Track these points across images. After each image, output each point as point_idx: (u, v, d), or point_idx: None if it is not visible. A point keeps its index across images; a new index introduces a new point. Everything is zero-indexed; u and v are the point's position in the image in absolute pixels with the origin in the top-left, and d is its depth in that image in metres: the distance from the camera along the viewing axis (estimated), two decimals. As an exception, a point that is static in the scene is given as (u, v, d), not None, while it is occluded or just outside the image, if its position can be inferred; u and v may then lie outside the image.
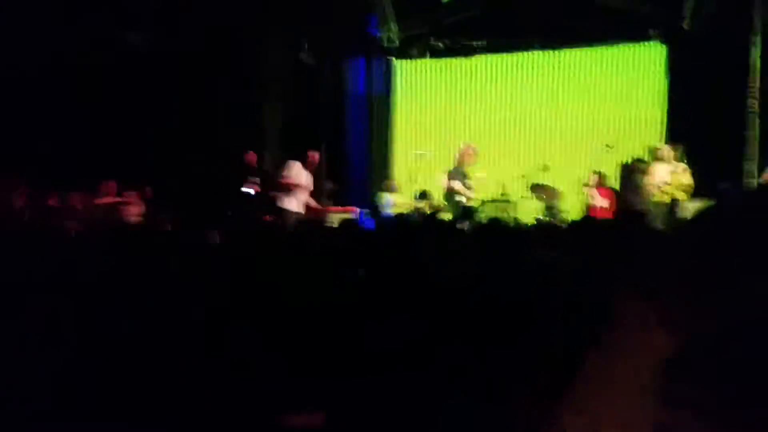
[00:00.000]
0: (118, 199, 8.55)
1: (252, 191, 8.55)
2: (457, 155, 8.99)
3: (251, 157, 8.87)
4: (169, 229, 6.44)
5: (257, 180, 8.79)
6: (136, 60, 8.66)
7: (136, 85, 8.69)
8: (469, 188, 8.75)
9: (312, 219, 8.40)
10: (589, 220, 6.50)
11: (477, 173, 9.00)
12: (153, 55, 8.74)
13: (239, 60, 9.05)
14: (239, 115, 8.93)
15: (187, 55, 8.70)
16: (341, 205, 9.49)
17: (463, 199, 8.72)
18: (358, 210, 9.48)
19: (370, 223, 8.97)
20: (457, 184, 8.73)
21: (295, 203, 8.36)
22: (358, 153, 11.07)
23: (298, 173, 8.43)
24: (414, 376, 1.84)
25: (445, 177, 8.84)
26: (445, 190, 8.82)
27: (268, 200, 8.62)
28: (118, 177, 8.45)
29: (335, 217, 8.52)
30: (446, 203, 8.88)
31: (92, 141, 8.49)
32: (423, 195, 9.95)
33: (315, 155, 8.59)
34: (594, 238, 3.89)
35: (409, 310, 2.15)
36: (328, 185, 9.64)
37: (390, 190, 10.11)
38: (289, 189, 8.35)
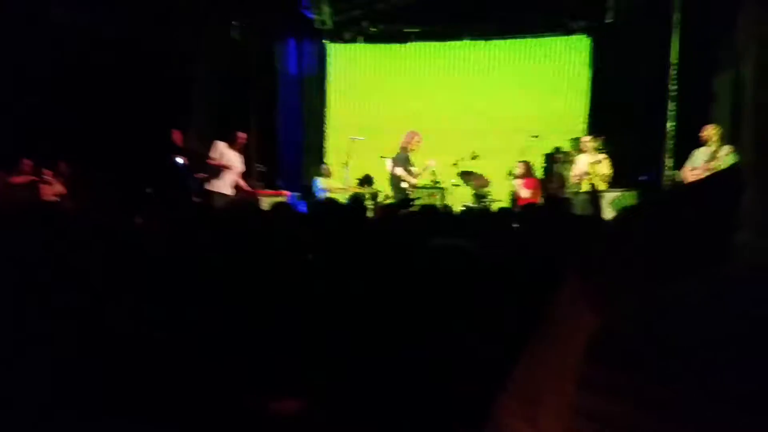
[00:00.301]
0: (33, 178, 8.10)
1: (182, 161, 8.29)
2: (401, 141, 8.98)
3: (176, 135, 8.58)
4: (83, 209, 6.19)
5: (183, 159, 8.54)
6: (58, 34, 8.19)
7: (59, 59, 8.22)
8: (413, 174, 8.79)
9: (242, 200, 8.22)
10: (507, 210, 6.71)
11: (427, 160, 9.06)
12: (74, 29, 8.28)
13: (166, 34, 8.70)
14: (166, 91, 8.59)
15: (111, 28, 8.29)
16: (272, 188, 9.33)
17: (407, 185, 8.77)
18: (289, 193, 9.36)
19: (302, 207, 8.88)
20: (399, 170, 8.76)
21: (222, 185, 8.18)
22: (289, 135, 10.91)
23: (225, 154, 8.25)
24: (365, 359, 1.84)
25: (391, 163, 8.84)
26: (390, 176, 8.82)
27: (194, 181, 8.40)
28: (39, 155, 7.99)
29: (266, 201, 8.38)
30: (392, 189, 8.89)
31: (13, 117, 7.99)
32: (365, 180, 9.94)
33: (243, 135, 8.39)
34: (509, 225, 4.01)
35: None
36: (259, 167, 9.46)
37: (324, 174, 10.05)
38: (216, 170, 8.18)
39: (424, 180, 9.21)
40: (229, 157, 8.27)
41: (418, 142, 8.96)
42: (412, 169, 8.89)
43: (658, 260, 0.44)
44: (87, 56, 8.21)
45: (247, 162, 8.83)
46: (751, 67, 0.39)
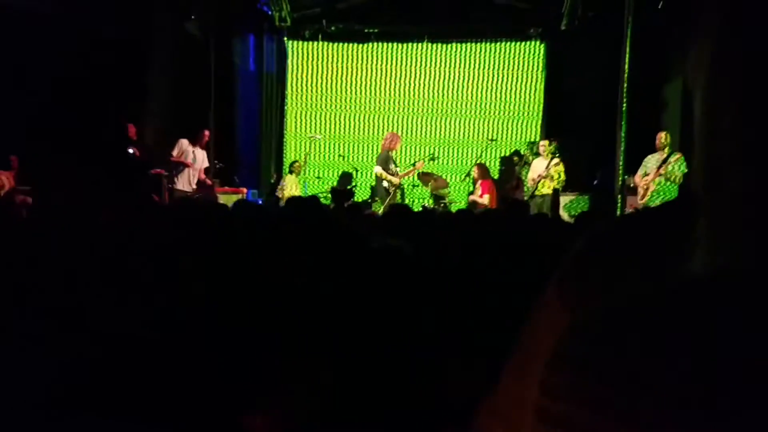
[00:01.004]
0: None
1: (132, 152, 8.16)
2: (383, 143, 9.32)
3: (131, 128, 8.40)
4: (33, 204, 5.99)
5: (136, 153, 8.36)
6: (12, 22, 7.88)
7: (11, 50, 7.92)
8: (394, 174, 8.99)
9: (201, 198, 8.11)
10: (464, 211, 6.83)
11: (418, 160, 9.60)
12: (25, 17, 7.98)
13: (122, 26, 8.47)
14: (121, 85, 8.36)
15: (65, 19, 8.02)
16: (229, 185, 9.22)
17: (386, 184, 9.02)
18: (246, 190, 9.26)
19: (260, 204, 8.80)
20: (379, 170, 9.07)
21: (183, 182, 8.17)
22: (248, 132, 10.78)
23: (187, 151, 8.22)
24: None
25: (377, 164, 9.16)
26: (376, 175, 9.19)
27: (149, 177, 8.25)
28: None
29: (224, 198, 8.29)
30: (377, 188, 9.23)
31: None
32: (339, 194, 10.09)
33: (206, 133, 8.38)
34: (466, 227, 4.09)
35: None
36: (217, 164, 9.32)
37: (295, 171, 10.06)
38: (177, 167, 8.15)
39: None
40: (191, 154, 8.24)
41: (396, 140, 9.30)
42: (396, 169, 9.13)
43: (618, 276, 0.48)
44: (41, 47, 7.94)
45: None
46: (698, 105, 0.42)
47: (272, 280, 2.40)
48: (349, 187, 10.17)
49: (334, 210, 6.09)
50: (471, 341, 2.00)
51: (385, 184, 9.03)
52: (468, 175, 9.99)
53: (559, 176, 8.88)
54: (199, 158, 8.32)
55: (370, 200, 9.62)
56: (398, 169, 9.20)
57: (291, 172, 10.17)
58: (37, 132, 7.90)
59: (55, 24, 7.90)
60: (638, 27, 8.41)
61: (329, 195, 9.96)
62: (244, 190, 9.15)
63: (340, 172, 10.91)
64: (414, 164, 9.61)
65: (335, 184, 10.78)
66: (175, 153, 8.22)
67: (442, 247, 3.12)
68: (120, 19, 8.21)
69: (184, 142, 8.23)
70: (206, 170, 8.54)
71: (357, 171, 10.61)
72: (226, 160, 9.62)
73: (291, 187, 10.00)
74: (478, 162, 9.95)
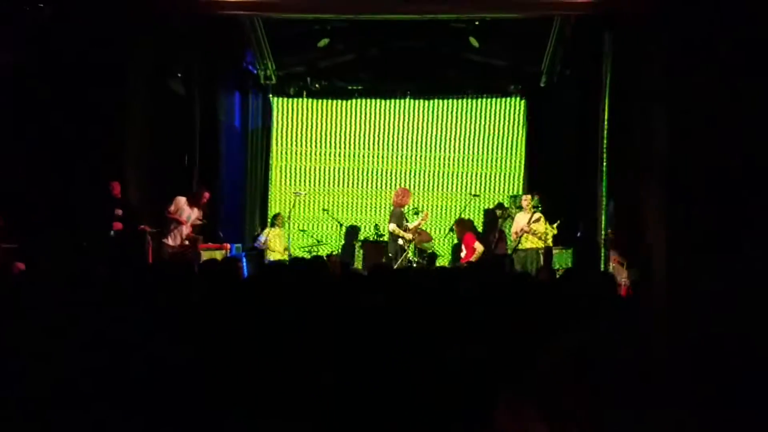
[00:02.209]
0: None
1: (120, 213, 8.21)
2: (393, 199, 9.42)
3: (115, 186, 8.41)
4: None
5: (120, 212, 8.36)
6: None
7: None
8: (406, 230, 9.00)
9: (183, 255, 8.09)
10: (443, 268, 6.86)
11: (424, 211, 9.70)
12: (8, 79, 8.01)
13: (106, 85, 8.53)
14: (106, 142, 8.38)
15: (48, 81, 8.04)
16: (212, 240, 9.18)
17: (401, 241, 9.00)
18: (229, 246, 9.22)
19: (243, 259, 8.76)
20: (392, 227, 9.10)
21: (171, 238, 8.28)
22: (232, 187, 10.81)
23: (183, 209, 8.33)
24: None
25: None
26: (389, 233, 9.26)
27: (133, 234, 8.22)
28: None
29: (207, 254, 8.26)
30: (390, 245, 9.23)
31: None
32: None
33: (206, 194, 8.50)
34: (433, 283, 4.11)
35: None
36: (200, 220, 9.29)
37: (278, 224, 10.10)
38: (171, 223, 8.31)
39: (369, 233, 9.46)
40: (187, 212, 8.36)
41: (406, 195, 9.44)
42: (406, 224, 9.20)
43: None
44: (26, 111, 7.97)
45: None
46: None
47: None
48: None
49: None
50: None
51: (400, 241, 9.04)
52: (451, 230, 10.05)
53: (546, 232, 8.95)
54: (193, 216, 8.42)
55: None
56: (408, 224, 9.20)
57: (274, 225, 10.21)
58: (20, 192, 7.88)
59: (39, 79, 7.94)
60: (616, 81, 8.61)
61: (314, 249, 9.99)
62: (228, 245, 9.11)
63: (323, 226, 10.98)
64: (417, 213, 9.67)
65: (320, 237, 10.80)
66: (171, 209, 8.31)
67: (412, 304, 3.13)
68: (103, 76, 8.27)
69: (181, 200, 8.38)
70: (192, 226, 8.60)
71: (341, 225, 10.65)
72: (210, 215, 9.61)
73: (275, 240, 10.02)
74: (458, 219, 10.03)
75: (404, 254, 8.92)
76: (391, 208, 9.41)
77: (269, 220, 10.68)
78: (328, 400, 1.88)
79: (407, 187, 10.27)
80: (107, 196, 8.24)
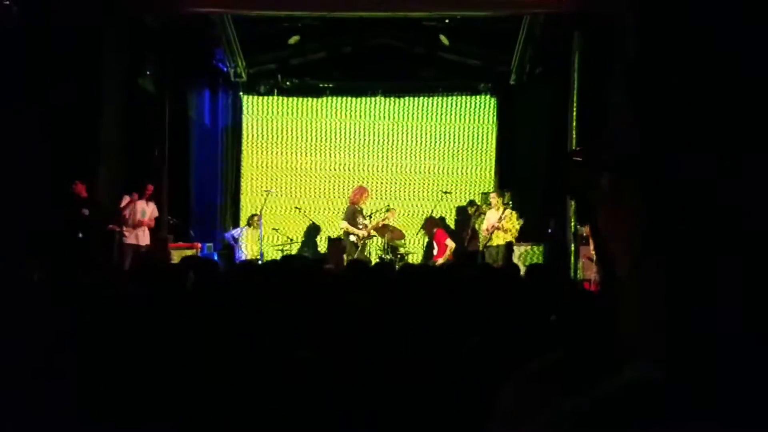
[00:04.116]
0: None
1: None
2: (350, 197, 9.50)
3: (80, 187, 8.26)
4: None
5: (86, 212, 8.23)
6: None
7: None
8: (363, 227, 9.01)
9: (153, 254, 8.00)
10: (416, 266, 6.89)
11: (390, 210, 9.67)
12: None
13: (74, 83, 8.39)
14: (73, 142, 8.24)
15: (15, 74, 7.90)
16: (184, 240, 9.10)
17: (353, 238, 9.01)
18: (200, 245, 9.15)
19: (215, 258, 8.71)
20: (344, 224, 9.15)
21: (137, 236, 8.13)
22: (203, 186, 10.71)
23: (133, 206, 8.19)
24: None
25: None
26: (342, 230, 9.29)
27: (102, 233, 8.11)
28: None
29: (176, 253, 8.18)
30: (344, 242, 9.26)
31: None
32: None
33: (150, 186, 8.36)
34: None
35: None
36: (171, 219, 9.21)
37: (253, 225, 10.04)
38: (126, 223, 8.11)
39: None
40: (139, 208, 8.18)
41: (362, 193, 9.45)
42: (362, 221, 9.22)
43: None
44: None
45: (160, 214, 8.65)
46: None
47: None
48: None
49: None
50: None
51: (352, 238, 9.07)
52: (423, 228, 10.11)
53: (513, 227, 9.03)
54: (148, 212, 8.30)
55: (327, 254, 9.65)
56: (367, 221, 9.23)
57: (249, 225, 10.16)
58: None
59: (8, 78, 7.79)
60: (584, 79, 8.72)
61: (286, 248, 9.95)
62: (198, 245, 9.04)
63: (295, 224, 10.96)
64: (388, 210, 9.66)
65: (292, 235, 10.74)
66: (122, 204, 8.20)
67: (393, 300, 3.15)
68: (74, 75, 8.15)
69: (132, 197, 8.24)
70: (158, 224, 8.51)
71: (313, 223, 10.65)
72: (180, 214, 9.52)
73: (248, 240, 9.98)
74: (427, 218, 10.09)
75: (357, 251, 8.96)
76: (347, 205, 9.50)
77: (246, 219, 10.64)
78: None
79: (370, 185, 10.35)
80: (73, 197, 8.11)
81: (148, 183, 8.53)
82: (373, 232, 9.33)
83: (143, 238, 8.25)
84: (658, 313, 0.41)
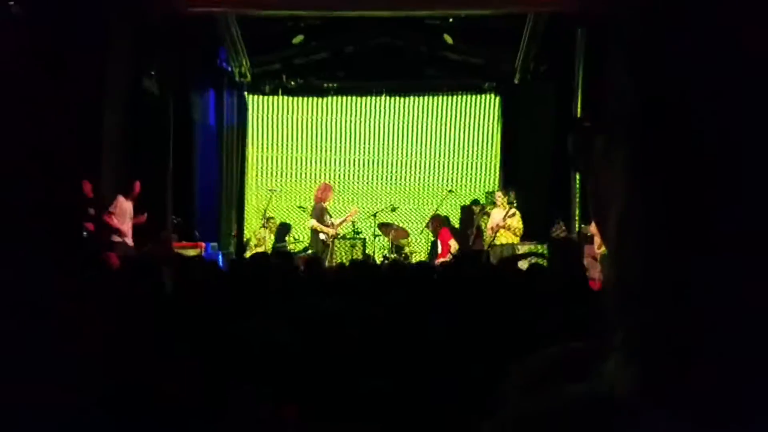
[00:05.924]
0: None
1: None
2: (315, 194, 9.27)
3: (87, 186, 8.29)
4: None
5: (92, 211, 8.25)
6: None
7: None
8: (329, 225, 8.92)
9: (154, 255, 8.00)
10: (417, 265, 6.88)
11: (352, 208, 9.67)
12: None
13: (78, 83, 8.41)
14: (79, 142, 8.26)
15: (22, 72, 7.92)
16: (188, 240, 9.10)
17: (323, 236, 8.93)
18: (204, 244, 9.15)
19: (219, 258, 8.72)
20: (313, 222, 8.97)
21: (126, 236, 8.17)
22: (206, 185, 10.72)
23: (121, 205, 8.18)
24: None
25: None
26: (311, 228, 9.10)
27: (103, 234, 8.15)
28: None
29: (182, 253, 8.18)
30: (313, 241, 9.10)
31: None
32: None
33: (137, 185, 8.29)
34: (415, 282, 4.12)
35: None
36: (174, 219, 9.22)
37: (270, 228, 10.03)
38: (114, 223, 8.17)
39: (345, 230, 9.37)
40: (124, 208, 8.19)
41: (328, 191, 9.28)
42: (332, 220, 9.01)
43: None
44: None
45: (164, 214, 8.66)
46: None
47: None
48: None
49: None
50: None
51: (321, 236, 8.96)
52: (427, 226, 10.09)
53: (516, 226, 9.01)
54: (131, 210, 8.30)
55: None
56: (333, 220, 9.16)
57: (264, 227, 10.08)
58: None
59: (11, 77, 7.81)
60: (588, 78, 8.70)
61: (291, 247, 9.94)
62: (203, 244, 9.05)
63: (300, 223, 10.94)
64: (351, 213, 9.60)
65: (296, 235, 10.73)
66: (112, 208, 8.21)
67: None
68: (78, 75, 8.16)
69: (120, 198, 8.22)
70: (163, 224, 8.51)
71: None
72: (185, 214, 9.53)
73: (264, 240, 9.95)
74: (433, 215, 10.06)
75: (327, 249, 8.87)
76: (313, 204, 9.31)
77: (247, 219, 10.65)
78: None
79: (374, 184, 10.30)
80: (80, 195, 8.12)
81: (136, 180, 8.41)
82: (340, 231, 9.26)
83: (130, 236, 8.27)
84: (634, 282, 0.40)
